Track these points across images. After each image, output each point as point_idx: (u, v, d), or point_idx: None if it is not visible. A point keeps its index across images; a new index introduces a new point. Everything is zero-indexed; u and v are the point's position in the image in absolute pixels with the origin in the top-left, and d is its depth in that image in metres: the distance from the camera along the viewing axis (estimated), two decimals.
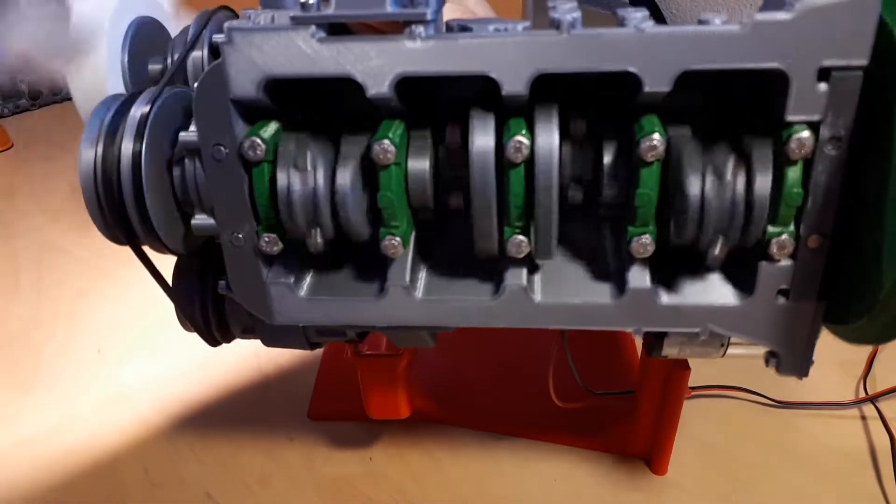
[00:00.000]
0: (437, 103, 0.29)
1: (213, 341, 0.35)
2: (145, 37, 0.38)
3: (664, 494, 0.43)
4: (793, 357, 0.28)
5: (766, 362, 0.29)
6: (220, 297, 0.33)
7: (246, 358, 0.55)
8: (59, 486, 0.45)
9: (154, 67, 0.36)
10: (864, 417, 0.48)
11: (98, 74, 0.38)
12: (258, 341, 0.34)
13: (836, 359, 0.51)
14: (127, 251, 0.31)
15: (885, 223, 0.23)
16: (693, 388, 0.48)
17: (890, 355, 0.52)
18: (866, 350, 0.52)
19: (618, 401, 0.46)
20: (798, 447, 0.46)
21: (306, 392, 0.51)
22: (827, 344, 0.54)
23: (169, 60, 0.35)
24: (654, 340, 0.32)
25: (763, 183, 0.25)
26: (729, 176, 0.25)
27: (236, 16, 0.33)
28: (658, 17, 1.28)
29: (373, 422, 0.45)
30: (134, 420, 0.50)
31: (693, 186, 0.25)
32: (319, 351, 0.54)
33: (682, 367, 0.38)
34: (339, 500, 0.43)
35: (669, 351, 0.31)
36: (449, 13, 0.37)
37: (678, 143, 0.26)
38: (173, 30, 0.38)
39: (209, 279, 0.33)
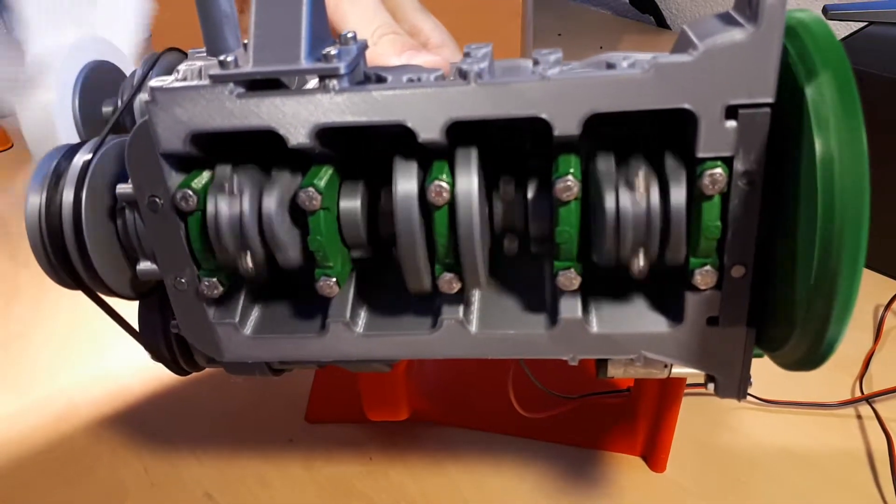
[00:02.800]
0: (371, 143, 0.29)
1: (183, 372, 0.36)
2: (99, 80, 0.38)
3: (663, 492, 0.43)
4: (729, 381, 0.29)
5: (706, 385, 0.30)
6: None
7: None
8: (59, 485, 0.45)
9: (107, 110, 0.36)
10: (860, 417, 0.48)
11: (47, 116, 0.38)
12: None
13: (833, 359, 0.52)
14: None
15: (797, 255, 0.24)
16: (690, 386, 0.48)
17: (887, 356, 0.52)
18: (864, 350, 0.52)
19: (614, 399, 0.47)
20: (796, 446, 0.46)
21: (306, 391, 0.51)
22: None
23: (120, 103, 0.36)
24: (599, 362, 0.32)
25: (678, 196, 0.25)
26: (643, 189, 0.25)
27: (185, 56, 0.34)
28: (659, 18, 1.28)
29: (372, 423, 0.45)
30: (134, 420, 0.50)
31: (608, 201, 0.25)
32: None
33: None
34: (339, 500, 0.44)
35: (615, 372, 0.32)
36: (398, 46, 0.37)
37: (595, 169, 0.26)
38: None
39: (171, 315, 0.33)
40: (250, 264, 0.28)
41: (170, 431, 0.49)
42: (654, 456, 0.44)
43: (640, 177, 0.25)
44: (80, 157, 0.30)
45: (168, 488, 0.45)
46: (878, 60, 0.57)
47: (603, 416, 0.47)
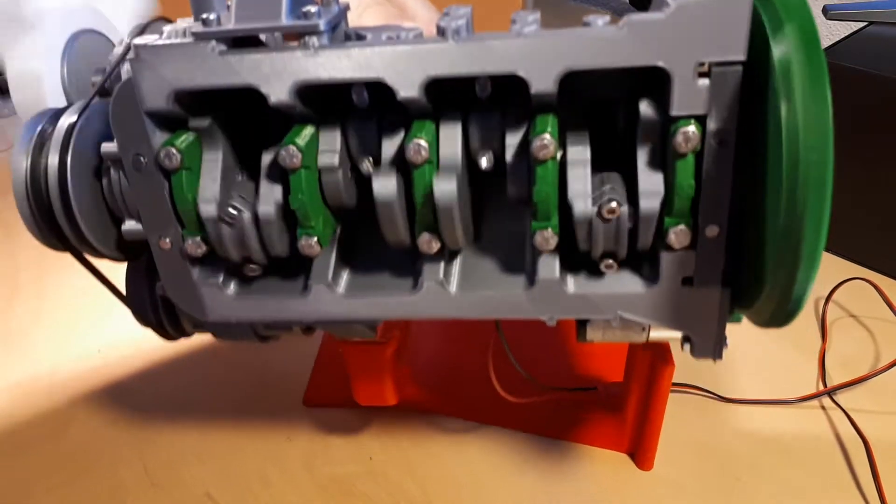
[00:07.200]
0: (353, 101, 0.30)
1: (170, 336, 0.36)
2: (87, 48, 0.39)
3: (649, 489, 0.43)
4: (705, 341, 0.29)
5: (682, 346, 0.30)
6: None
7: (244, 356, 0.55)
8: (59, 486, 0.45)
9: (95, 79, 0.36)
10: (823, 407, 0.48)
11: (36, 83, 0.38)
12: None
13: (792, 357, 0.52)
14: None
15: (767, 213, 0.24)
16: (676, 385, 0.49)
17: (840, 346, 0.53)
18: (818, 346, 0.52)
19: (584, 395, 0.47)
20: (786, 441, 0.46)
21: (302, 388, 0.51)
22: (784, 339, 0.51)
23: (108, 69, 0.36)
24: (579, 326, 0.32)
25: (649, 205, 0.26)
26: (615, 203, 0.26)
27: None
28: None
29: (370, 415, 0.44)
30: (134, 419, 0.50)
31: (579, 208, 0.26)
32: (317, 343, 0.54)
33: (665, 362, 0.38)
34: (339, 500, 0.44)
35: (593, 336, 0.32)
36: (383, 17, 0.38)
37: (572, 159, 0.27)
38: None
39: (157, 277, 0.34)
40: (255, 267, 0.29)
41: (170, 431, 0.49)
42: (640, 454, 0.44)
43: (614, 201, 0.26)
44: (66, 120, 0.30)
45: (168, 488, 0.45)
46: (878, 60, 0.57)
47: (592, 412, 0.47)
